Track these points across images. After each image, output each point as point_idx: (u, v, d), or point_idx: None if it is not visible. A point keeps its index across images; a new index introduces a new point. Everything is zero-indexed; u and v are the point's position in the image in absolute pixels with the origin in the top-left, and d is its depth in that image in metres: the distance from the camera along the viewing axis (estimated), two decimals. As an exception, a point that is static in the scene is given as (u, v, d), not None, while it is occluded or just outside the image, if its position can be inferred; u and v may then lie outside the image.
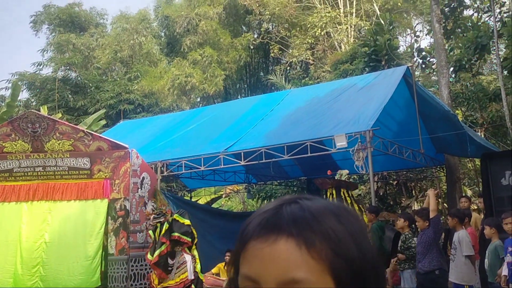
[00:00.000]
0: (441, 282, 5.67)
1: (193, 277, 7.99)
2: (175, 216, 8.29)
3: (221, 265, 10.73)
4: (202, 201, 18.33)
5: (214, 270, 10.67)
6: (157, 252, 7.96)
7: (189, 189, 17.46)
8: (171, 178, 17.77)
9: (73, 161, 9.77)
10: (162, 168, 10.78)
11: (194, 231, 8.31)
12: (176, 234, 8.07)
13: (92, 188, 9.81)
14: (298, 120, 10.46)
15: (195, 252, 8.26)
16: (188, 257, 8.08)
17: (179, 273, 7.98)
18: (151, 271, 8.40)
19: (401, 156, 10.33)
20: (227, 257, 10.71)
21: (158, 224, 8.24)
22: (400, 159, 11.47)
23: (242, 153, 10.03)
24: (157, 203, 8.59)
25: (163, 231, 8.12)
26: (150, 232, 8.45)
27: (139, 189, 9.78)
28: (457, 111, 14.69)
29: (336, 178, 7.11)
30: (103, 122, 18.81)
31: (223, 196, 23.19)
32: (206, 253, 11.33)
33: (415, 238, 7.09)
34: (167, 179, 17.37)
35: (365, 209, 7.74)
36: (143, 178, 9.96)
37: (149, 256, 8.16)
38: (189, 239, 8.13)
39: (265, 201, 21.39)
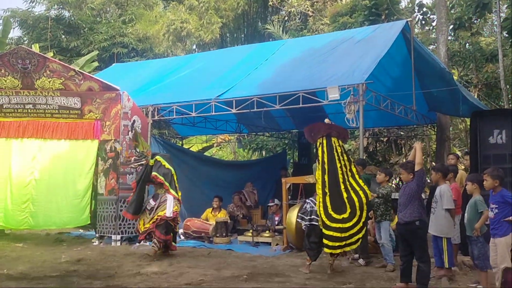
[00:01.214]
0: (421, 233, 5.82)
1: (171, 215, 7.97)
2: (157, 157, 8.27)
3: (209, 210, 10.92)
4: (193, 150, 18.38)
5: (203, 216, 10.86)
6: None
7: (180, 136, 17.48)
8: (163, 125, 17.77)
9: (63, 100, 9.70)
10: (153, 112, 10.74)
11: (175, 178, 8.26)
12: (154, 173, 8.08)
13: (82, 128, 9.81)
14: (292, 70, 10.36)
15: (175, 193, 8.18)
16: (170, 197, 8.11)
17: (158, 211, 8.05)
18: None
19: (393, 112, 10.34)
20: (215, 203, 10.90)
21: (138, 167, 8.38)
22: (391, 115, 11.49)
23: (234, 101, 9.98)
24: (139, 147, 8.44)
25: (139, 175, 8.30)
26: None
27: (130, 132, 9.78)
28: (453, 71, 14.63)
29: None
30: (96, 64, 18.53)
31: (214, 145, 23.26)
32: (195, 199, 11.54)
33: (397, 192, 7.25)
34: (159, 126, 17.35)
35: (353, 162, 7.79)
36: (134, 121, 9.95)
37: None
38: (164, 180, 8.07)
39: (256, 152, 21.55)
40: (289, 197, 9.78)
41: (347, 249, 6.74)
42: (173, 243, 8.34)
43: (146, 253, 7.87)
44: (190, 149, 17.07)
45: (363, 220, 6.59)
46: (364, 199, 6.65)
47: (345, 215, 6.51)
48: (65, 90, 9.59)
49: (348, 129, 7.61)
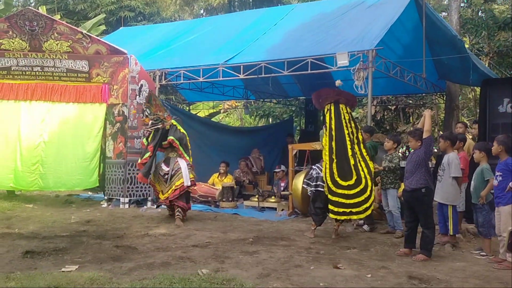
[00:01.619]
0: (426, 200, 5.85)
1: (189, 184, 8.04)
2: (173, 121, 8.17)
3: (215, 175, 11.02)
4: (200, 115, 18.39)
5: (210, 181, 10.96)
6: (142, 158, 8.07)
7: (188, 102, 17.46)
8: (170, 90, 17.74)
9: (71, 63, 9.68)
10: (160, 77, 10.70)
11: (189, 143, 8.27)
12: (171, 137, 7.98)
13: (90, 91, 9.82)
14: (301, 36, 10.22)
15: (188, 158, 8.20)
16: (183, 164, 8.07)
17: (175, 180, 7.95)
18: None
19: (402, 80, 10.24)
20: (222, 168, 10.98)
21: (153, 131, 8.10)
22: (400, 83, 11.40)
23: (241, 66, 9.92)
24: (151, 108, 8.27)
25: (156, 139, 8.04)
26: (144, 140, 8.36)
27: (137, 96, 9.80)
28: (464, 38, 14.37)
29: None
30: (103, 27, 18.36)
31: (221, 111, 23.25)
32: (202, 164, 11.58)
33: (404, 160, 7.27)
34: (166, 91, 17.33)
35: (361, 129, 7.78)
36: (142, 85, 9.93)
37: (139, 160, 8.27)
38: (179, 145, 8.05)
39: (263, 119, 21.54)
40: (295, 163, 9.83)
41: (354, 217, 6.76)
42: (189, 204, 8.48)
43: (176, 224, 7.69)
44: (197, 115, 17.06)
45: (369, 189, 6.60)
46: (371, 168, 6.69)
47: (351, 182, 6.54)
48: (72, 53, 9.55)
49: (356, 96, 7.54)
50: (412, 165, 5.90)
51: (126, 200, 9.59)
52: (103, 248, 5.96)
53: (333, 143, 6.65)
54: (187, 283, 4.42)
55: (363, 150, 6.75)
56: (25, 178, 9.53)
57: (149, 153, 8.01)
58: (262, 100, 17.15)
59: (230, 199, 10.08)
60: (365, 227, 7.58)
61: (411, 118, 17.54)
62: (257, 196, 9.92)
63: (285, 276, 4.79)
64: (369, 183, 6.58)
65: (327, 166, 6.63)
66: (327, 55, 9.00)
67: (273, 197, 10.01)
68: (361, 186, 6.53)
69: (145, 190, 9.89)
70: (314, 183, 7.00)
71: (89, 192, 11.16)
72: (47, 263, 5.21)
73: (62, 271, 4.81)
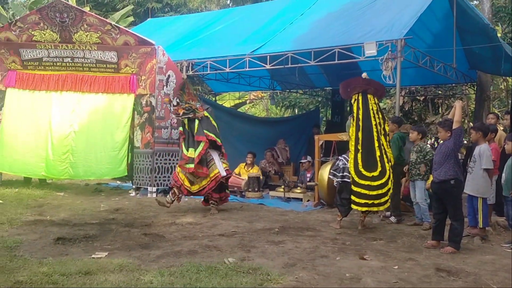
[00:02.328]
0: (455, 192, 5.74)
1: (225, 174, 7.95)
2: (205, 113, 8.01)
3: (242, 165, 11.07)
4: (226, 106, 18.45)
5: (236, 170, 11.01)
6: (197, 152, 7.68)
7: (214, 92, 17.54)
8: (197, 81, 17.83)
9: (100, 54, 9.83)
10: (187, 67, 10.77)
11: (219, 136, 8.13)
12: (205, 131, 7.82)
13: (119, 82, 9.97)
14: (328, 25, 10.12)
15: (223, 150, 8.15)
16: (215, 155, 8.00)
17: (210, 171, 7.87)
18: (177, 173, 8.01)
19: (432, 70, 10.04)
20: (248, 159, 11.02)
21: (186, 120, 7.92)
22: (429, 73, 11.18)
23: (268, 57, 9.89)
24: (183, 96, 8.20)
25: (195, 130, 7.80)
26: (181, 128, 8.16)
27: (165, 87, 9.90)
28: (496, 27, 13.97)
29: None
30: (131, 19, 18.58)
31: (247, 102, 23.27)
32: (228, 154, 11.57)
33: (430, 147, 7.15)
34: (192, 82, 17.41)
35: (389, 119, 7.69)
36: (169, 76, 10.03)
37: (185, 151, 7.81)
38: (216, 137, 7.93)
39: (289, 109, 21.47)
40: (322, 154, 9.79)
41: (375, 209, 6.71)
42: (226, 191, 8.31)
43: (210, 213, 7.77)
44: (223, 105, 17.13)
45: (390, 181, 6.55)
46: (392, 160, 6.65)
47: (375, 173, 6.49)
48: (102, 44, 9.70)
49: (384, 86, 7.43)
50: (441, 156, 5.80)
51: (154, 189, 9.74)
52: (132, 235, 6.08)
53: (360, 134, 6.60)
54: (213, 271, 4.48)
55: (386, 143, 6.69)
56: (56, 167, 9.78)
57: (204, 143, 7.72)
58: (288, 90, 17.11)
59: (256, 189, 10.11)
60: (392, 218, 7.51)
61: (440, 109, 17.21)
62: (283, 186, 9.93)
63: (311, 266, 4.80)
64: (391, 176, 6.54)
65: (352, 156, 6.60)
66: (354, 44, 8.88)
67: (298, 187, 10.01)
68: (385, 178, 6.49)
69: (172, 180, 10.00)
70: (340, 174, 6.96)
71: (117, 181, 11.37)
72: (77, 249, 5.34)
73: (92, 258, 4.93)
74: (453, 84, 14.33)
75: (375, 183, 6.45)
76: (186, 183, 7.85)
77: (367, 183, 6.46)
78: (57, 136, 9.80)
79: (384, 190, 6.50)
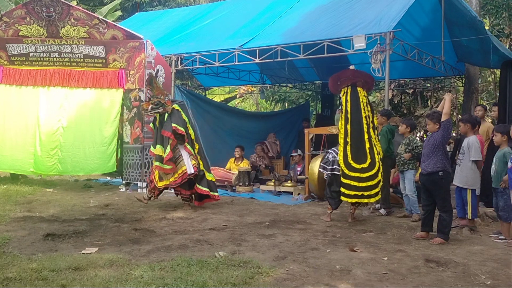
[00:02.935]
0: (444, 183, 5.78)
1: (192, 171, 7.60)
2: (175, 106, 7.76)
3: (231, 160, 11.07)
4: (216, 100, 18.41)
5: (226, 167, 11.00)
6: (168, 149, 7.49)
7: (204, 87, 17.47)
8: (186, 75, 17.76)
9: (88, 49, 9.74)
10: (176, 62, 10.71)
11: (191, 130, 7.82)
12: (174, 124, 7.55)
13: (107, 77, 9.89)
14: (317, 19, 10.11)
15: (191, 149, 7.78)
16: (183, 151, 7.69)
17: (178, 168, 7.61)
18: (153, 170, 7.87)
19: (421, 63, 10.09)
20: (236, 153, 11.01)
21: (157, 115, 7.74)
22: (418, 66, 11.24)
23: (257, 50, 9.86)
24: (153, 90, 7.81)
25: (168, 124, 7.58)
26: (151, 125, 8.07)
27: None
28: (484, 20, 14.04)
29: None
30: (119, 13, 18.41)
31: (237, 96, 23.25)
32: (218, 148, 11.67)
33: (419, 141, 7.21)
34: (182, 76, 17.36)
35: (378, 112, 7.74)
36: (158, 70, 9.96)
37: (152, 148, 7.78)
38: (185, 132, 7.63)
39: (279, 104, 21.48)
40: (312, 148, 9.81)
41: (365, 200, 6.71)
42: (215, 193, 7.96)
43: (183, 209, 7.65)
44: (213, 100, 17.08)
45: (380, 173, 6.61)
46: (381, 153, 6.69)
47: (365, 165, 6.54)
48: (89, 38, 9.61)
49: (374, 78, 7.47)
50: (429, 148, 5.83)
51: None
52: (122, 231, 6.05)
53: (349, 126, 6.64)
54: (204, 265, 4.48)
55: (375, 136, 6.74)
56: (44, 162, 9.69)
57: (172, 139, 7.54)
58: (278, 84, 17.10)
59: (247, 183, 10.12)
60: (382, 211, 7.56)
61: (429, 101, 17.33)
62: (273, 180, 9.94)
63: (302, 259, 4.82)
64: (381, 168, 6.58)
65: (342, 149, 6.65)
66: (343, 38, 8.90)
67: (289, 181, 10.03)
68: (374, 170, 6.55)
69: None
70: (330, 167, 6.98)
71: (107, 177, 11.31)
72: (67, 245, 5.31)
73: (82, 253, 4.91)
74: (442, 77, 14.43)
75: (365, 175, 6.50)
76: (156, 178, 7.69)
77: (356, 175, 6.50)
78: (45, 131, 9.71)
79: (374, 182, 6.54)
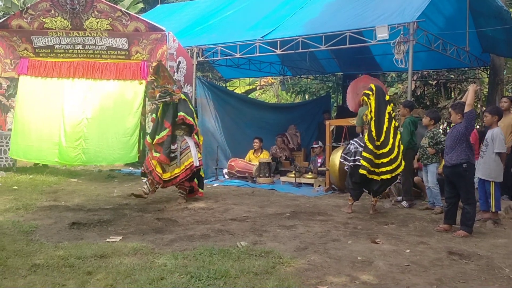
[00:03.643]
0: (468, 176, 5.70)
1: (198, 164, 7.50)
2: (182, 95, 7.58)
3: (251, 151, 11.10)
4: (236, 92, 18.44)
5: (246, 158, 11.05)
6: (158, 137, 7.34)
7: (224, 79, 17.54)
8: (207, 67, 17.82)
9: (111, 41, 9.83)
10: (198, 54, 10.76)
11: (196, 120, 7.70)
12: (182, 113, 7.36)
13: (130, 69, 9.95)
14: (339, 9, 10.03)
15: (198, 139, 7.71)
16: (191, 142, 7.56)
17: (184, 159, 7.44)
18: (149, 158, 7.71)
19: (445, 53, 9.92)
20: (255, 144, 11.03)
21: (161, 105, 7.49)
22: (442, 57, 11.05)
23: (278, 42, 9.83)
24: (158, 80, 7.50)
25: (170, 114, 7.40)
26: (153, 115, 7.76)
27: (175, 73, 9.88)
28: (511, 9, 13.71)
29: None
30: (141, 5, 18.55)
31: (258, 88, 23.23)
32: (239, 140, 11.71)
33: (443, 135, 7.13)
34: (202, 68, 17.43)
35: (400, 104, 7.68)
36: (179, 62, 10.01)
37: (148, 139, 7.65)
38: (193, 121, 7.49)
39: (299, 95, 21.40)
40: (332, 139, 9.77)
41: (374, 177, 6.67)
42: (200, 190, 7.94)
43: (178, 201, 7.47)
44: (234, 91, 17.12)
45: (399, 165, 6.62)
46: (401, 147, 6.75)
47: (384, 150, 6.61)
48: (112, 30, 9.69)
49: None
50: (452, 140, 5.76)
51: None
52: (145, 220, 6.16)
53: (373, 122, 6.68)
54: (226, 254, 4.53)
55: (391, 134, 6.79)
56: (68, 153, 9.84)
57: (167, 130, 7.34)
58: (298, 76, 17.03)
59: (267, 174, 10.15)
60: (404, 203, 7.51)
61: (452, 93, 17.03)
62: (294, 172, 9.94)
63: (323, 250, 4.83)
64: (401, 161, 6.66)
65: (367, 131, 6.75)
66: (366, 28, 8.80)
67: (310, 173, 10.02)
68: (393, 156, 6.61)
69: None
70: (351, 158, 6.96)
71: (130, 168, 11.48)
72: (92, 233, 5.43)
73: (107, 242, 5.02)
74: (466, 68, 14.17)
75: (381, 152, 6.60)
76: (158, 169, 7.42)
77: (375, 151, 6.59)
78: (70, 123, 9.85)
79: (387, 167, 6.59)
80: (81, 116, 9.84)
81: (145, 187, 7.50)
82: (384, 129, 6.63)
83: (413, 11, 8.38)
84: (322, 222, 6.22)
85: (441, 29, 10.54)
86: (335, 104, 17.84)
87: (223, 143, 11.20)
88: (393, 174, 6.66)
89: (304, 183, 9.72)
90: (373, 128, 6.68)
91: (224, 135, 11.25)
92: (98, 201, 7.51)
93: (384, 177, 6.65)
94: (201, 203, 7.48)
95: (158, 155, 7.36)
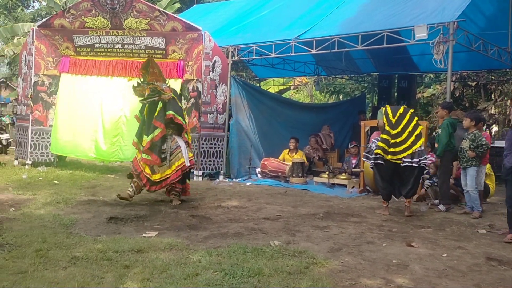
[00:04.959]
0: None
1: (189, 164, 7.14)
2: (173, 95, 7.07)
3: (286, 151, 11.09)
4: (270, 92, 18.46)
5: (280, 157, 11.05)
6: (149, 137, 6.81)
7: (258, 78, 17.59)
8: (241, 67, 17.92)
9: (149, 40, 10.05)
10: (233, 53, 10.83)
11: (186, 119, 7.32)
12: (171, 112, 6.88)
13: (167, 68, 10.14)
14: (376, 8, 9.90)
15: (188, 138, 7.32)
16: (181, 142, 7.14)
17: (174, 160, 7.02)
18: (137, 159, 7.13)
19: (485, 54, 9.65)
20: (291, 144, 11.02)
21: (147, 104, 6.93)
22: (482, 58, 10.75)
23: (314, 41, 9.79)
24: (146, 76, 6.88)
25: (156, 112, 6.85)
26: (138, 113, 7.19)
27: (211, 72, 10.01)
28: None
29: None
30: (177, 5, 18.81)
31: (291, 88, 23.19)
32: (272, 139, 11.72)
33: (487, 143, 6.94)
34: (236, 68, 17.53)
35: (439, 105, 7.52)
36: (215, 61, 10.12)
37: (134, 139, 7.19)
38: (183, 121, 7.07)
39: (333, 95, 21.23)
40: (367, 140, 9.66)
41: (384, 154, 6.71)
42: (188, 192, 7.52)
43: (172, 204, 7.04)
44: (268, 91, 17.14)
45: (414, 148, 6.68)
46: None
47: (400, 148, 6.68)
48: (150, 30, 9.90)
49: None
50: (510, 142, 5.59)
51: (200, 173, 9.93)
52: (180, 217, 6.25)
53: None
54: (260, 253, 4.55)
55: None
56: (106, 149, 10.13)
57: (160, 129, 6.80)
58: (333, 76, 16.90)
59: (300, 174, 10.12)
60: (441, 206, 7.35)
61: (492, 95, 16.54)
62: (327, 172, 9.88)
63: (357, 252, 4.79)
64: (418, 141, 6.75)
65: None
66: (404, 28, 8.66)
67: (343, 174, 9.94)
68: (408, 151, 6.70)
69: (217, 164, 10.20)
70: (373, 156, 6.88)
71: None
72: (129, 228, 5.55)
73: (143, 237, 5.12)
74: (508, 70, 13.73)
75: (397, 141, 6.68)
76: (147, 170, 6.91)
77: (392, 132, 6.70)
78: (109, 120, 10.15)
79: (404, 145, 6.67)
80: (119, 114, 10.12)
81: (130, 190, 7.00)
82: (401, 125, 6.73)
83: (453, 11, 8.19)
84: (356, 224, 6.17)
85: (481, 29, 10.27)
86: (370, 105, 17.62)
87: (257, 142, 11.23)
88: (412, 150, 6.65)
89: (337, 184, 9.65)
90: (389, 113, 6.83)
91: (257, 135, 11.28)
92: (134, 197, 7.65)
93: (402, 155, 6.68)
94: (234, 202, 7.53)
95: (147, 157, 6.83)
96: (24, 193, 7.51)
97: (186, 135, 7.23)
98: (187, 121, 7.15)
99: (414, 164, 6.61)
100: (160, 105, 6.84)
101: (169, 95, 6.91)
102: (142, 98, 6.87)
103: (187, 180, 7.47)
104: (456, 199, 7.84)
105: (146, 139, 6.85)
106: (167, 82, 7.19)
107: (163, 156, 6.97)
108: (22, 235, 4.94)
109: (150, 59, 7.01)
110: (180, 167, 6.98)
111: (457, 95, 16.37)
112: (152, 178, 6.89)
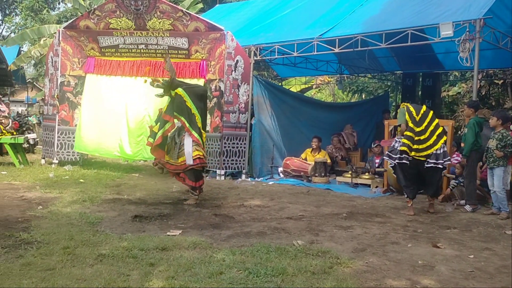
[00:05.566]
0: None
1: (191, 163, 7.01)
2: (178, 90, 7.06)
3: (308, 150, 11.05)
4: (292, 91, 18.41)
5: (302, 156, 11.02)
6: (160, 132, 7.01)
7: (280, 77, 17.56)
8: (263, 66, 17.91)
9: (172, 40, 10.13)
10: (255, 52, 10.84)
11: (198, 118, 7.04)
12: (174, 113, 7.03)
13: (190, 67, 10.23)
14: (400, 6, 9.78)
15: (198, 137, 7.06)
16: (188, 141, 7.03)
17: (181, 154, 7.10)
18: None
19: (513, 51, 9.45)
20: (314, 143, 10.97)
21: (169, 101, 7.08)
22: (510, 56, 10.50)
23: (336, 40, 9.72)
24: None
25: (164, 108, 7.11)
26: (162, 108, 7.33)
27: (233, 72, 10.04)
28: None
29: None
30: (200, 5, 18.92)
31: (314, 87, 23.07)
32: (294, 138, 11.70)
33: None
34: (258, 67, 17.53)
35: (465, 104, 7.40)
36: (237, 61, 10.14)
37: (153, 123, 7.42)
38: (186, 122, 6.99)
39: (356, 94, 21.05)
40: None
41: (406, 150, 6.71)
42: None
43: (187, 202, 7.11)
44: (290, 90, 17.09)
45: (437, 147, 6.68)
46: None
47: (423, 145, 6.68)
48: (173, 30, 9.98)
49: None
50: None
51: (222, 172, 9.97)
52: (203, 216, 6.29)
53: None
54: (283, 252, 4.55)
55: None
56: (131, 148, 10.26)
57: (170, 124, 6.99)
58: (356, 75, 16.76)
59: (323, 174, 10.07)
60: (467, 207, 7.21)
61: (520, 93, 16.14)
62: (350, 172, 9.81)
63: (382, 252, 4.75)
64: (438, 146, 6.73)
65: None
66: (429, 25, 8.53)
67: (366, 173, 9.85)
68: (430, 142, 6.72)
69: (239, 163, 10.23)
70: (397, 156, 6.80)
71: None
72: (153, 226, 5.61)
73: (168, 235, 5.17)
74: (536, 67, 13.40)
75: (420, 139, 6.69)
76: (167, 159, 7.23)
77: (416, 129, 6.70)
78: (133, 119, 10.28)
79: (429, 142, 6.68)
80: (143, 113, 10.23)
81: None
82: (425, 123, 6.73)
83: (479, 8, 8.03)
84: (380, 224, 6.11)
85: (509, 26, 10.02)
86: (393, 104, 17.41)
87: (279, 141, 11.22)
88: (434, 149, 6.65)
89: (360, 184, 9.57)
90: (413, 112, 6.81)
91: (280, 134, 11.27)
92: (158, 196, 7.75)
93: (425, 153, 6.67)
94: (256, 201, 7.54)
95: (151, 140, 7.18)
96: (51, 191, 7.67)
97: (195, 134, 7.01)
98: (198, 119, 7.02)
99: (439, 166, 6.58)
100: (168, 100, 7.16)
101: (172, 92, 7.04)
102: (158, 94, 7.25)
103: (201, 178, 7.37)
104: (483, 200, 7.69)
105: (158, 133, 7.11)
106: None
107: (173, 142, 7.16)
108: (50, 232, 5.05)
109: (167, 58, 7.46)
110: (182, 162, 7.09)
111: (483, 93, 16.03)
112: (166, 158, 7.23)
